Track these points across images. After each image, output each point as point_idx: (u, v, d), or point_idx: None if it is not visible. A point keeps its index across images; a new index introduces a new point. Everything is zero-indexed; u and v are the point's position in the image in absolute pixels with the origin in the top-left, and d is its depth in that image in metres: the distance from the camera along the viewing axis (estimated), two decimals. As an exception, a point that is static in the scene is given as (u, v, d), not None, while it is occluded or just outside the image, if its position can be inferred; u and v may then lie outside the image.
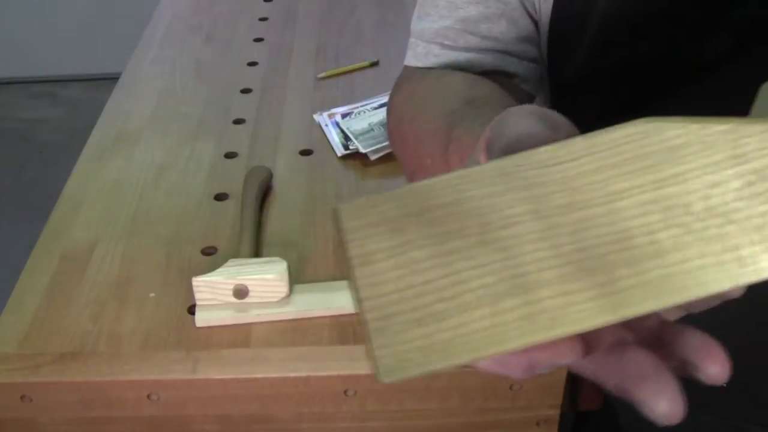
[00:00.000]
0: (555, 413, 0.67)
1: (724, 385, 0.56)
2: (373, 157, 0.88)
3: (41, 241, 0.78)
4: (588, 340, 0.25)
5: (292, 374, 0.64)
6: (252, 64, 1.13)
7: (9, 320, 0.69)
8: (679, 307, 0.28)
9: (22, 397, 0.64)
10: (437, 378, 0.64)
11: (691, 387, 0.60)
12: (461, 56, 0.61)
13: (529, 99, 0.64)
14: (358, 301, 0.22)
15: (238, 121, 0.99)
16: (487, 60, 0.61)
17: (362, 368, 0.64)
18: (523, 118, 0.29)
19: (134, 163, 0.90)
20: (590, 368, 0.25)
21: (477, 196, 0.22)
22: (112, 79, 1.21)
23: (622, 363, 0.24)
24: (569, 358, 0.24)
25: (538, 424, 0.67)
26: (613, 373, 0.24)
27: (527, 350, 0.23)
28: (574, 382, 0.67)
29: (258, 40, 1.20)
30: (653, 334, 0.26)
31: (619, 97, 0.57)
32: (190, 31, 1.23)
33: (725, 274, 0.22)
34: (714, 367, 0.25)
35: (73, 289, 0.72)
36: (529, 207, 0.22)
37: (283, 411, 0.66)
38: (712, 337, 0.26)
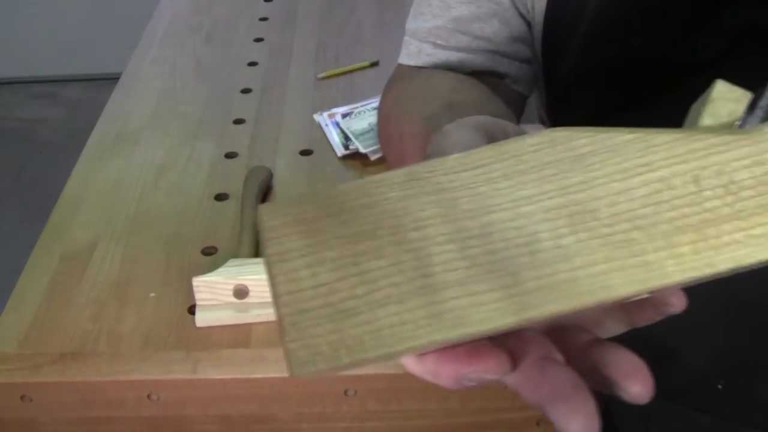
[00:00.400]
0: (555, 413, 0.67)
1: (720, 387, 0.56)
2: (373, 157, 0.88)
3: (41, 241, 0.78)
4: (514, 353, 0.25)
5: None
6: (252, 64, 1.13)
7: (9, 320, 0.69)
8: (622, 321, 0.29)
9: (22, 397, 0.64)
10: (437, 378, 0.64)
11: (688, 389, 0.60)
12: (452, 56, 0.61)
13: (521, 99, 0.64)
14: (275, 296, 0.22)
15: (238, 121, 0.99)
16: (479, 60, 0.61)
17: (362, 368, 0.64)
18: (463, 131, 0.30)
19: (134, 163, 0.90)
20: (513, 381, 0.25)
21: (391, 200, 0.23)
22: (112, 79, 1.21)
23: (543, 379, 0.24)
24: (496, 374, 0.24)
25: (538, 424, 0.67)
26: (533, 389, 0.24)
27: (455, 362, 0.24)
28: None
29: (258, 40, 1.20)
30: (583, 351, 0.26)
31: (613, 96, 0.57)
32: (190, 31, 1.23)
33: (631, 279, 0.22)
34: (635, 386, 0.25)
35: (73, 289, 0.72)
36: (439, 210, 0.22)
37: (283, 411, 0.66)
38: (637, 357, 0.26)
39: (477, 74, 0.61)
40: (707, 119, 0.25)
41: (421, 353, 0.24)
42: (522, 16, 0.61)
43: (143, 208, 0.82)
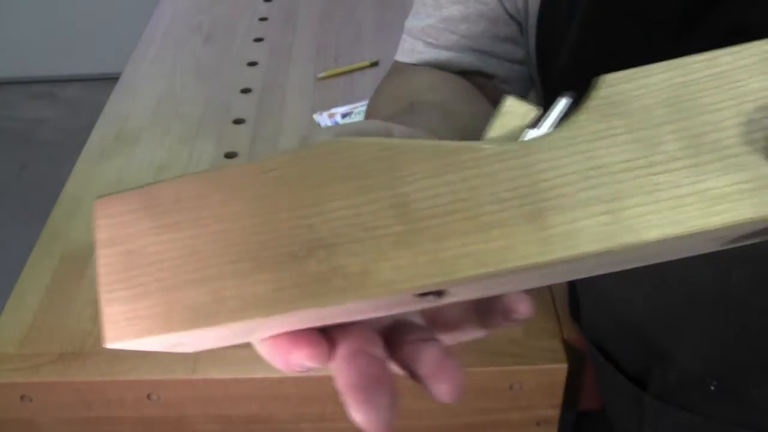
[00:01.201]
0: (555, 413, 0.67)
1: (713, 387, 0.56)
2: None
3: (41, 241, 0.78)
4: (336, 344, 0.27)
5: (292, 374, 0.64)
6: (252, 64, 1.13)
7: (9, 320, 0.69)
8: (480, 325, 0.31)
9: (22, 397, 0.64)
10: (437, 378, 0.64)
11: (681, 389, 0.60)
12: (441, 54, 0.62)
13: None
14: (97, 276, 0.26)
15: (238, 121, 0.99)
16: (466, 60, 0.62)
17: (362, 368, 0.64)
18: (325, 135, 0.31)
19: (134, 163, 0.90)
20: (333, 370, 0.27)
21: (193, 197, 0.25)
22: (112, 79, 1.21)
23: (348, 369, 0.26)
24: (314, 362, 0.27)
25: (538, 424, 0.67)
26: (340, 377, 0.26)
27: (282, 348, 0.27)
28: (574, 382, 0.67)
29: (258, 40, 1.20)
30: (407, 349, 0.29)
31: None
32: (190, 31, 1.23)
33: (426, 271, 0.23)
34: (439, 385, 0.27)
35: (73, 289, 0.72)
36: (243, 207, 0.25)
37: (283, 411, 0.66)
38: (451, 358, 0.27)
39: (466, 74, 0.62)
40: (494, 132, 0.26)
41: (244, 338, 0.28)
42: (512, 17, 0.61)
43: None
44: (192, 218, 0.25)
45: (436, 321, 0.32)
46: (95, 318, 0.69)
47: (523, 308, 0.30)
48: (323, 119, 0.96)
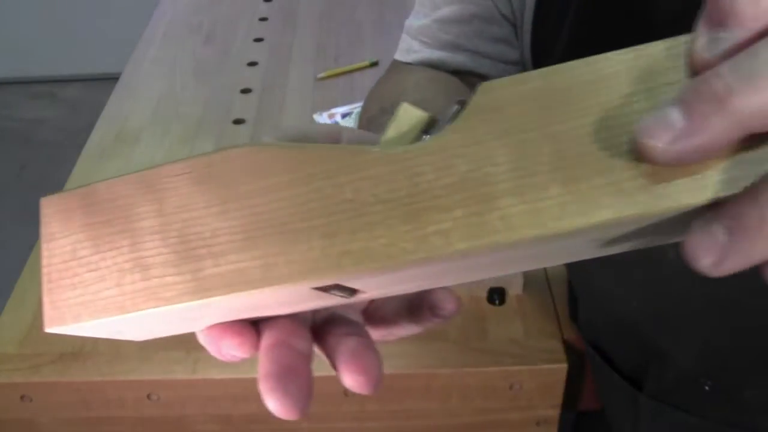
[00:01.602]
0: (555, 413, 0.67)
1: (707, 387, 0.56)
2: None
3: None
4: (260, 335, 0.30)
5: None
6: (252, 64, 1.13)
7: (9, 320, 0.69)
8: (413, 323, 0.33)
9: (22, 397, 0.64)
10: (437, 378, 0.64)
11: (676, 389, 0.60)
12: (434, 54, 0.64)
13: None
14: (41, 267, 0.29)
15: (238, 121, 0.99)
16: (459, 59, 0.63)
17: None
18: (268, 137, 0.32)
19: (134, 163, 0.90)
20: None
21: (124, 196, 0.28)
22: (112, 79, 1.21)
23: (264, 358, 0.29)
24: (241, 351, 0.29)
25: (538, 424, 0.67)
26: (261, 367, 0.29)
27: (216, 337, 0.30)
28: (574, 382, 0.68)
29: (258, 40, 1.20)
30: (332, 341, 0.31)
31: None
32: (190, 31, 1.23)
33: (315, 266, 0.26)
34: (355, 376, 0.29)
35: (73, 289, 0.72)
36: (155, 207, 0.28)
37: (283, 411, 0.66)
38: (367, 350, 0.30)
39: (459, 73, 0.62)
40: (389, 135, 0.28)
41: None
42: (505, 17, 0.62)
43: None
44: (124, 216, 0.28)
45: (372, 317, 0.35)
46: (95, 318, 0.69)
47: (449, 305, 0.32)
48: (323, 119, 0.96)
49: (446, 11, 0.62)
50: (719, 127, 0.21)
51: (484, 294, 0.70)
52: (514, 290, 0.71)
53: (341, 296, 0.28)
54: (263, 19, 1.26)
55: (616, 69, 0.24)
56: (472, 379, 0.64)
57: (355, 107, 0.97)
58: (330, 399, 0.65)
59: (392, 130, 0.28)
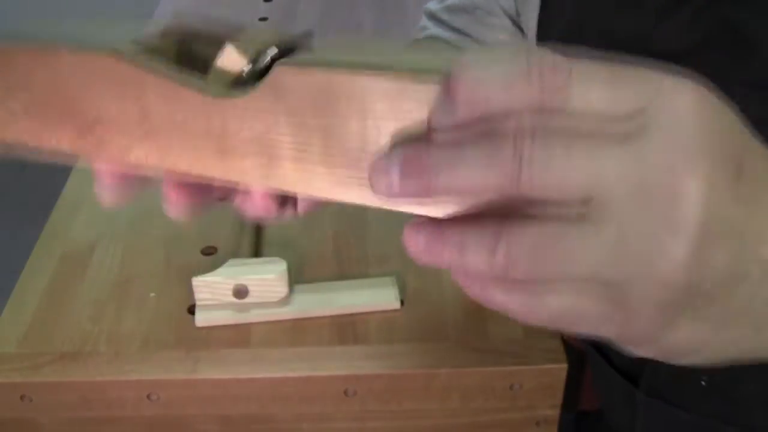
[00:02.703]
0: (555, 413, 0.67)
1: (703, 383, 0.56)
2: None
3: (41, 241, 0.78)
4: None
5: (292, 374, 0.64)
6: (252, 64, 1.13)
7: (9, 320, 0.69)
8: None
9: (22, 397, 0.64)
10: (437, 378, 0.64)
11: (671, 385, 0.60)
12: (444, 34, 0.72)
13: None
14: None
15: (238, 121, 0.99)
16: (463, 44, 0.70)
17: (362, 368, 0.64)
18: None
19: (134, 163, 0.90)
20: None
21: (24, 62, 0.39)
22: (112, 79, 1.21)
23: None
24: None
25: (538, 424, 0.67)
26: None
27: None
28: (574, 382, 0.68)
29: (258, 40, 1.20)
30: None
31: None
32: (190, 31, 1.23)
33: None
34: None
35: (73, 289, 0.72)
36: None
37: (283, 411, 0.66)
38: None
39: None
40: (213, 73, 0.33)
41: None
42: (505, 12, 0.69)
43: (143, 208, 0.82)
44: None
45: None
46: (95, 318, 0.69)
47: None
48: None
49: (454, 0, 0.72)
50: (421, 192, 0.26)
51: (484, 294, 0.70)
52: (514, 290, 0.71)
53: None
54: (263, 19, 1.26)
55: (380, 86, 0.28)
56: (472, 379, 0.64)
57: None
58: (330, 399, 0.65)
59: (216, 67, 0.33)
